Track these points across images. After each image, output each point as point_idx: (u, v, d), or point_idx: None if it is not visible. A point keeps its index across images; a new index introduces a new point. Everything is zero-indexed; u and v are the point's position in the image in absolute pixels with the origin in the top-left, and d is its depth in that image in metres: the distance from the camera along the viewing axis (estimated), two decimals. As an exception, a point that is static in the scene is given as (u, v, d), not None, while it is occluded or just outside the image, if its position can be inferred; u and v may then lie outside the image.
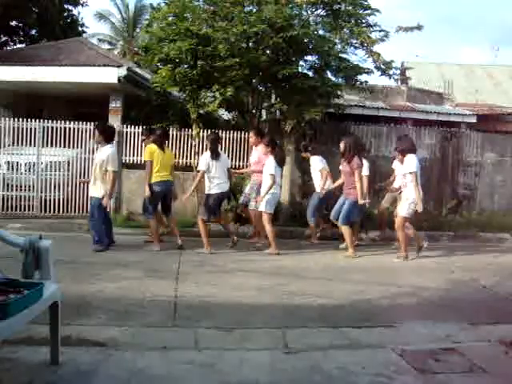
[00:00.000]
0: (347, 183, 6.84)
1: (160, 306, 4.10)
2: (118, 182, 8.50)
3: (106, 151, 6.43)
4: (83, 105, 10.39)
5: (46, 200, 8.52)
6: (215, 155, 6.71)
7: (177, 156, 8.91)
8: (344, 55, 8.70)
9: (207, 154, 6.74)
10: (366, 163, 7.11)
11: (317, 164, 7.41)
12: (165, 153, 6.80)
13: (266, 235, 6.78)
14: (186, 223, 7.73)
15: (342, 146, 6.87)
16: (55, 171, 8.53)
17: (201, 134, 8.66)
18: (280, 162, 6.87)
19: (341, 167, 7.04)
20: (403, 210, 6.54)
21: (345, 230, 6.70)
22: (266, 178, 6.69)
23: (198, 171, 6.83)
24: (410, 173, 6.45)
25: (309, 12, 8.80)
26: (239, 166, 8.69)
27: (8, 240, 2.95)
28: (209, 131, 8.46)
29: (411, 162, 6.52)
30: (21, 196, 8.49)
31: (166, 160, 6.81)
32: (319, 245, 7.27)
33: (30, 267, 2.84)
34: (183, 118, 8.95)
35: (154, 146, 6.66)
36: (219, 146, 7.07)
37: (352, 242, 6.71)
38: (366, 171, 7.07)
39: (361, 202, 6.69)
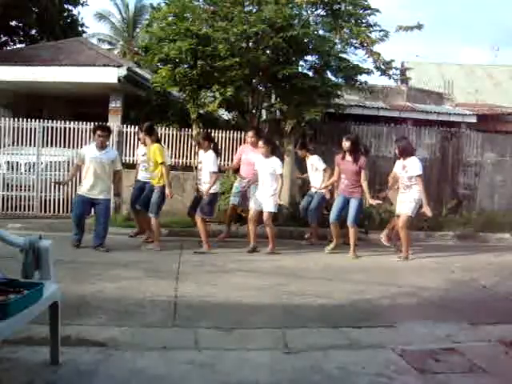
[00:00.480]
0: (351, 182, 6.66)
1: (160, 306, 4.10)
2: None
3: (114, 151, 6.85)
4: (83, 105, 10.40)
5: (45, 200, 8.52)
6: (218, 154, 6.73)
7: (177, 156, 8.94)
8: (344, 55, 8.73)
9: (213, 154, 6.61)
10: None
11: (320, 163, 7.32)
12: None
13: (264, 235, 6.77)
14: (186, 223, 7.72)
15: (348, 143, 6.67)
16: (55, 171, 8.53)
17: (201, 134, 8.67)
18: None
19: (341, 166, 6.80)
20: (409, 209, 6.53)
21: (354, 231, 6.64)
22: (274, 178, 6.59)
23: (215, 173, 6.55)
24: (418, 176, 6.48)
25: (309, 12, 8.81)
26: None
27: (8, 240, 2.94)
28: (209, 131, 8.47)
29: (416, 165, 6.55)
30: (21, 196, 8.50)
31: None
32: (319, 245, 7.25)
33: (29, 267, 2.84)
34: (183, 117, 8.96)
35: (161, 147, 6.66)
36: None
37: (356, 243, 6.68)
38: None
39: (374, 202, 6.69)
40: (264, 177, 6.71)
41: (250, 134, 7.31)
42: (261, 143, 6.74)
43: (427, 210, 6.45)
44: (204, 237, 6.56)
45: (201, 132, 8.39)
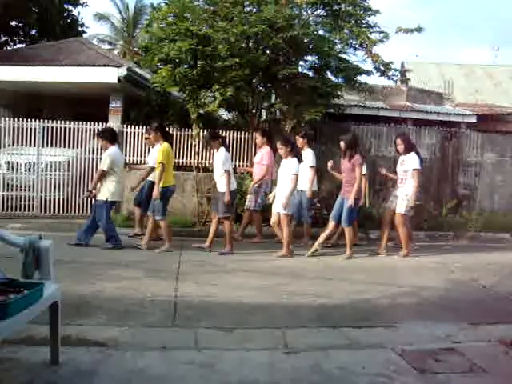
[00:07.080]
0: (347, 181, 6.58)
1: (160, 306, 4.10)
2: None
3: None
4: (83, 105, 10.40)
5: (46, 200, 8.52)
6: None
7: (177, 156, 8.91)
8: (344, 56, 8.73)
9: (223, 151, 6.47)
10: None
11: (311, 159, 7.09)
12: None
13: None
14: (185, 223, 7.72)
15: (341, 143, 6.67)
16: (55, 171, 8.53)
17: (201, 133, 8.66)
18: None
19: (341, 165, 6.75)
20: (400, 206, 6.60)
21: (349, 231, 6.60)
22: (289, 179, 6.38)
23: (226, 171, 6.38)
24: (414, 169, 6.54)
25: (309, 12, 8.81)
26: (239, 165, 8.67)
27: (8, 240, 2.94)
28: (216, 130, 8.45)
29: (414, 159, 6.61)
30: (21, 196, 8.50)
31: None
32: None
33: (29, 267, 2.84)
34: (183, 117, 8.95)
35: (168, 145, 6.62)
36: None
37: (351, 243, 6.66)
38: (364, 170, 6.96)
39: (351, 202, 6.42)
40: (281, 178, 6.54)
41: (256, 134, 7.42)
42: (278, 144, 6.57)
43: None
44: (228, 237, 6.40)
45: (205, 132, 8.22)
